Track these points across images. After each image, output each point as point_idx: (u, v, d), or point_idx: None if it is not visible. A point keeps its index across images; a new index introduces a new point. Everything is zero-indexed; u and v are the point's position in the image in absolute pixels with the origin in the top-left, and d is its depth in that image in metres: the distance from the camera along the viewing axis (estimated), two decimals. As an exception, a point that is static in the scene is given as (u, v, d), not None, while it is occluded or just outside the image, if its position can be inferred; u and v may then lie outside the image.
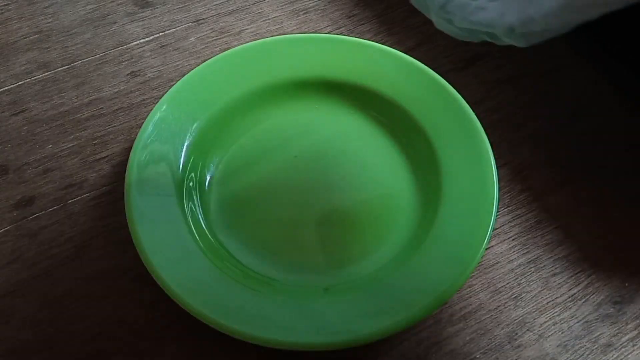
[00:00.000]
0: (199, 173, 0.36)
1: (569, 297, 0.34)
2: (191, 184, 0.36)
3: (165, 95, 0.37)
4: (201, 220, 0.35)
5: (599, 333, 0.33)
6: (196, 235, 0.33)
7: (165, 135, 0.36)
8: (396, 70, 0.39)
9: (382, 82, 0.39)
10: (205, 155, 0.37)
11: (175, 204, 0.34)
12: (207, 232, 0.34)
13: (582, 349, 0.32)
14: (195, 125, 0.37)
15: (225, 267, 0.32)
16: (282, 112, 0.39)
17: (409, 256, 0.33)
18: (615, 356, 0.32)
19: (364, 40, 0.41)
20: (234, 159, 0.37)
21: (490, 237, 0.33)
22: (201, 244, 0.33)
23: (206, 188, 0.36)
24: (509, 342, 0.32)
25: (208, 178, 0.36)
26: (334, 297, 0.32)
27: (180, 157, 0.36)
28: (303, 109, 0.39)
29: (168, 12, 0.45)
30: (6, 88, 0.41)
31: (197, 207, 0.35)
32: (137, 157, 0.34)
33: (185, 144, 0.36)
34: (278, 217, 0.35)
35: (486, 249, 0.32)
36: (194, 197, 0.35)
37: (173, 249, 0.32)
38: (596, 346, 0.32)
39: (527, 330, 0.33)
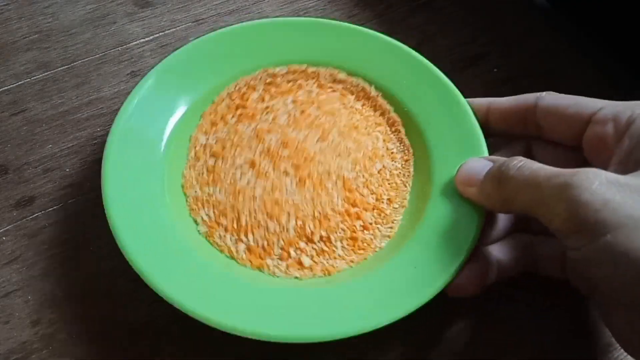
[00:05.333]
0: (183, 148, 0.35)
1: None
2: (175, 158, 0.34)
3: (148, 74, 0.36)
4: (183, 192, 0.34)
5: (599, 332, 0.33)
6: (172, 211, 0.32)
7: (147, 116, 0.35)
8: (383, 55, 0.38)
9: (374, 69, 0.38)
10: (190, 132, 0.36)
11: (154, 177, 0.33)
12: (187, 205, 0.33)
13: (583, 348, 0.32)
14: (180, 105, 0.36)
15: (215, 258, 0.32)
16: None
17: (401, 247, 0.32)
18: (615, 356, 0.32)
19: (354, 25, 0.40)
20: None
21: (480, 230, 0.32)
22: (177, 221, 0.32)
23: (186, 162, 0.35)
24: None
25: (191, 153, 0.35)
26: (329, 290, 0.31)
27: (164, 134, 0.34)
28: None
29: (168, 12, 0.45)
30: (6, 88, 0.41)
31: (180, 181, 0.34)
32: (118, 130, 0.33)
33: (169, 125, 0.35)
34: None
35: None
36: (177, 175, 0.34)
37: (151, 234, 0.31)
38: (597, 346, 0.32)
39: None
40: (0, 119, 0.39)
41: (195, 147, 0.36)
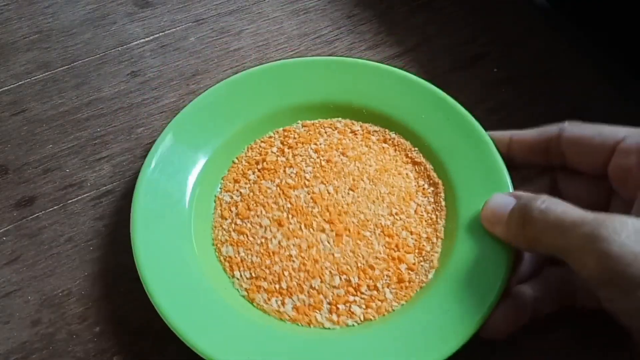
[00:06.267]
0: (206, 208, 0.35)
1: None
2: (200, 221, 0.34)
3: (168, 125, 0.36)
4: (215, 257, 0.33)
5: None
6: (206, 272, 0.32)
7: (169, 169, 0.34)
8: (399, 90, 0.38)
9: (388, 104, 0.38)
10: (211, 189, 0.35)
11: (184, 238, 0.33)
12: (220, 266, 0.33)
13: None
14: (198, 159, 0.35)
15: (243, 308, 0.31)
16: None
17: (434, 282, 0.32)
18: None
19: (367, 61, 0.39)
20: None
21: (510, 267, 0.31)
22: (213, 282, 0.32)
23: (213, 220, 0.34)
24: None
25: (216, 213, 0.35)
26: (369, 335, 0.30)
27: (186, 195, 0.34)
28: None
29: (168, 12, 0.45)
30: (6, 88, 0.41)
31: (209, 241, 0.34)
32: (141, 192, 0.33)
33: (189, 180, 0.34)
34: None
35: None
36: (204, 236, 0.34)
37: (188, 296, 0.31)
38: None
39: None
40: (1, 119, 0.39)
41: (220, 206, 0.35)
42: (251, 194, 0.35)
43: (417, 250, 0.33)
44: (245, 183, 0.35)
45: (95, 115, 0.40)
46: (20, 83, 0.41)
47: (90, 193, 0.37)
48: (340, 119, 0.38)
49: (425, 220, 0.34)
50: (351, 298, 0.31)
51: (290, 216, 0.34)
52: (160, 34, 0.44)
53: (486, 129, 0.35)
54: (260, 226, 0.34)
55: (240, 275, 0.32)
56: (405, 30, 0.45)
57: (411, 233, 0.33)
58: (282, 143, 0.37)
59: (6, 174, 0.37)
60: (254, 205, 0.34)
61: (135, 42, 0.43)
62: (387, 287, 0.32)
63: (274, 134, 0.38)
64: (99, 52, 0.43)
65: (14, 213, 0.36)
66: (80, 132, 0.39)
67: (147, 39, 0.44)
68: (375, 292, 0.32)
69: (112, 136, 0.39)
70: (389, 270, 0.32)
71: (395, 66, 0.39)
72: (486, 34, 0.45)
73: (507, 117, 0.40)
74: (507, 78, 0.42)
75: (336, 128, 0.38)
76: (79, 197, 0.36)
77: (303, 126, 0.38)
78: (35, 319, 0.32)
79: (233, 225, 0.34)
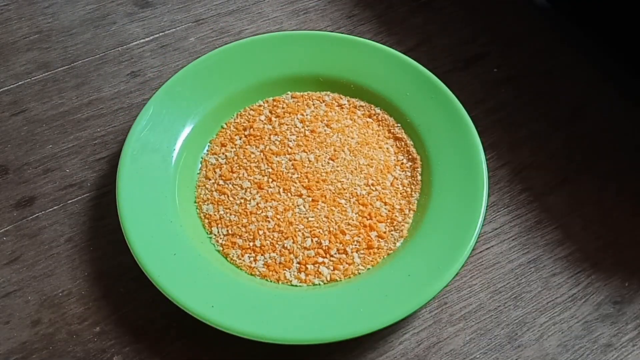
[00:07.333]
0: (191, 168, 0.36)
1: (569, 297, 0.34)
2: (184, 179, 0.35)
3: (162, 87, 0.37)
4: (196, 214, 0.35)
5: (599, 333, 0.33)
6: (185, 226, 0.33)
7: (159, 128, 0.36)
8: (387, 67, 0.39)
9: (376, 80, 0.39)
10: (198, 151, 0.37)
11: (167, 194, 0.34)
12: (200, 222, 0.34)
13: (582, 349, 0.32)
14: (188, 121, 0.37)
15: (216, 261, 0.33)
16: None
17: (401, 250, 0.33)
18: (615, 356, 0.32)
19: (358, 37, 0.40)
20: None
21: (483, 224, 0.33)
22: (191, 236, 0.33)
23: (197, 180, 0.36)
24: (509, 342, 0.32)
25: (201, 173, 0.36)
26: (332, 293, 0.32)
27: (173, 153, 0.35)
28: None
29: (168, 12, 0.45)
30: (6, 88, 0.41)
31: (192, 199, 0.35)
32: (130, 147, 0.35)
33: (179, 140, 0.36)
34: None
35: (479, 236, 0.32)
36: (188, 193, 0.35)
37: (163, 244, 0.32)
38: (596, 346, 0.32)
39: (527, 330, 0.33)
40: (1, 119, 0.39)
41: (206, 167, 0.36)
42: (236, 157, 0.37)
43: (388, 220, 0.34)
44: (232, 147, 0.37)
45: (95, 115, 0.40)
46: (20, 83, 0.41)
47: (90, 193, 0.37)
48: (328, 92, 0.40)
49: (400, 193, 0.36)
50: (320, 259, 0.33)
51: (270, 180, 0.36)
52: (160, 34, 0.44)
53: (477, 127, 0.36)
54: (241, 188, 0.35)
55: (218, 232, 0.34)
56: (405, 30, 0.45)
57: (385, 204, 0.35)
58: (270, 112, 0.39)
59: (6, 174, 0.37)
60: (237, 168, 0.36)
61: (135, 42, 0.43)
62: (356, 251, 0.33)
63: (264, 103, 0.39)
64: (99, 52, 0.43)
65: (14, 213, 0.36)
66: (80, 132, 0.39)
67: (147, 39, 0.44)
68: (344, 256, 0.33)
69: (112, 136, 0.39)
70: (359, 237, 0.34)
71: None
72: (486, 34, 0.45)
73: (507, 117, 0.40)
74: (507, 78, 0.42)
75: (324, 101, 0.39)
76: (79, 197, 0.36)
77: (292, 97, 0.39)
78: (35, 319, 0.32)
79: (216, 185, 0.36)
